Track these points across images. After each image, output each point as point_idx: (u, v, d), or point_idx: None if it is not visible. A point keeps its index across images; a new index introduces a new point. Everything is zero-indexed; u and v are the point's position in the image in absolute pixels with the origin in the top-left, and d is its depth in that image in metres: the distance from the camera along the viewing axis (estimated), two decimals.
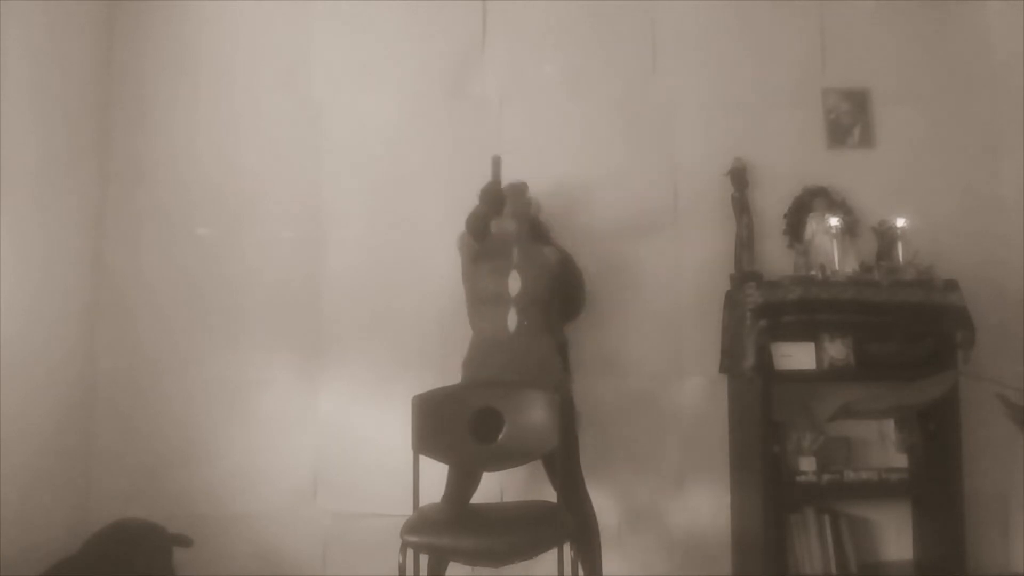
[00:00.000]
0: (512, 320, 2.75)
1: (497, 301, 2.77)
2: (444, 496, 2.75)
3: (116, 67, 3.32)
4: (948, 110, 3.35)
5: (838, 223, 3.07)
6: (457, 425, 2.77)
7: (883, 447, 3.15)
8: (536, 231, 3.02)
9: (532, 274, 2.79)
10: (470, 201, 2.75)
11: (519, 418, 2.73)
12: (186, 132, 3.31)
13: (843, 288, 2.95)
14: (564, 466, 2.67)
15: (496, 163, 2.66)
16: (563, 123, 3.32)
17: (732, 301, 3.14)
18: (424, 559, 2.60)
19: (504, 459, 2.78)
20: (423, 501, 2.68)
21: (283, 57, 3.35)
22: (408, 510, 2.63)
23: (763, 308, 2.91)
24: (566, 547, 2.50)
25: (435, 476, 2.77)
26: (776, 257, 3.24)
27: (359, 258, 3.27)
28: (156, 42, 3.34)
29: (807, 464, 2.99)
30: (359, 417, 3.03)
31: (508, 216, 2.83)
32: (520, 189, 2.95)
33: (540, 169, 3.25)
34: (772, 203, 3.28)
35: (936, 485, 2.98)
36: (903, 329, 2.98)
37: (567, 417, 2.70)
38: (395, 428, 2.80)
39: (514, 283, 2.77)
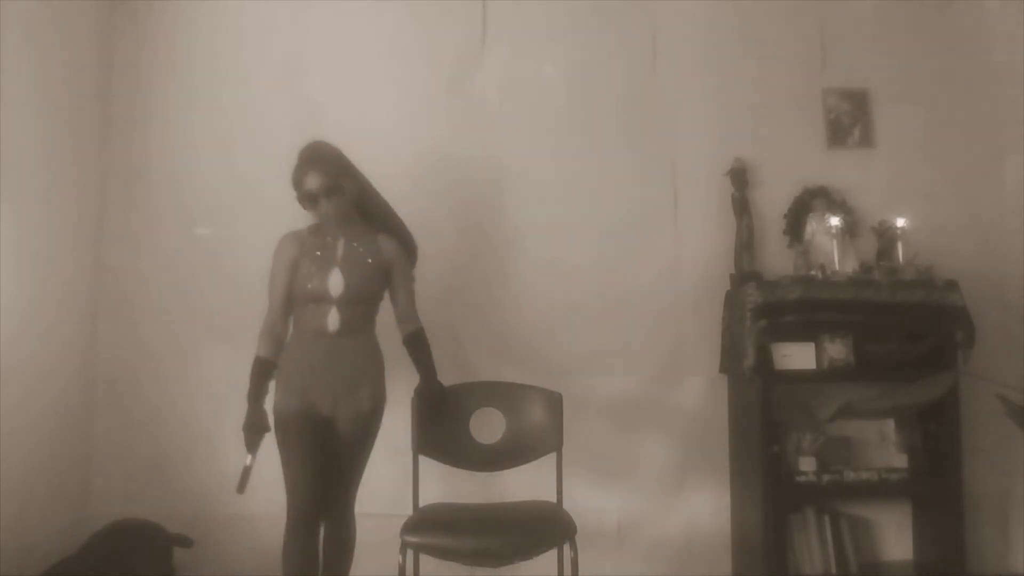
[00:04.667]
0: (334, 319, 2.52)
1: (320, 300, 2.53)
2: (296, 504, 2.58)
3: (116, 67, 3.32)
4: (948, 110, 3.35)
5: (838, 223, 3.06)
6: (457, 425, 2.77)
7: (883, 447, 3.15)
8: (365, 209, 2.69)
9: (359, 272, 2.56)
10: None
11: (519, 418, 2.73)
12: (186, 131, 3.30)
13: (843, 288, 2.95)
14: (350, 477, 2.58)
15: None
16: (563, 123, 3.32)
17: (732, 301, 3.14)
18: (425, 559, 2.59)
19: (504, 459, 2.78)
20: (423, 501, 2.69)
21: (283, 56, 3.35)
22: (408, 510, 2.64)
23: (763, 308, 2.91)
24: (566, 547, 2.50)
25: (435, 476, 2.77)
26: (776, 257, 3.24)
27: None
28: (156, 42, 3.34)
29: (807, 464, 2.99)
30: None
31: (321, 195, 2.56)
32: (322, 156, 2.60)
33: (540, 169, 3.28)
34: (772, 203, 3.27)
35: (936, 485, 2.99)
36: (903, 329, 2.99)
37: (371, 431, 2.60)
38: (395, 428, 2.79)
39: (336, 283, 2.53)
